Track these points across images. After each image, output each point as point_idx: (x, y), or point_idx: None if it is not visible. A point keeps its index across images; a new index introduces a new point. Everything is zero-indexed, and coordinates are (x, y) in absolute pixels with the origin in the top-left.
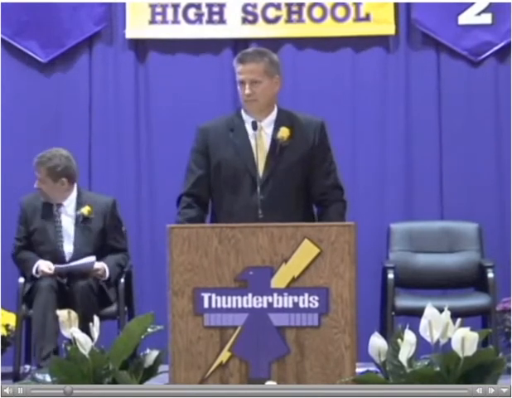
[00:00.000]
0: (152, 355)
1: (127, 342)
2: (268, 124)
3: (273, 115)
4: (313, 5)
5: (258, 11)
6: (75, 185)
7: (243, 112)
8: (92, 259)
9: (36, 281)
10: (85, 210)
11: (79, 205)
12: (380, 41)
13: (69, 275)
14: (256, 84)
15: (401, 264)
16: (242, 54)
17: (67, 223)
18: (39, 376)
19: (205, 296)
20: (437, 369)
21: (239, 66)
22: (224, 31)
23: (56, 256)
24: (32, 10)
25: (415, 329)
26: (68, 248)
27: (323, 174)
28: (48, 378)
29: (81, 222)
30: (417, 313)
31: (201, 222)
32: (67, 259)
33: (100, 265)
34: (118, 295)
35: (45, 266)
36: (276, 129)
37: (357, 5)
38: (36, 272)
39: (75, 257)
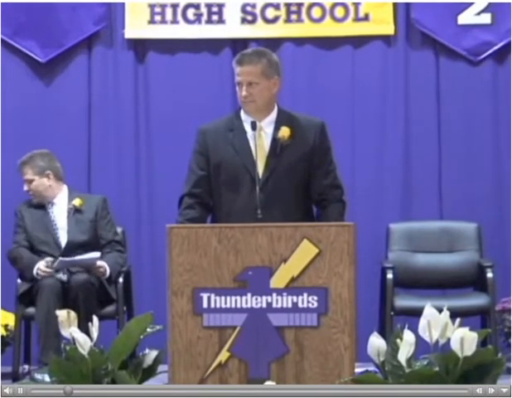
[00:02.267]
0: (151, 355)
1: (126, 342)
2: (267, 124)
3: (273, 115)
4: (312, 5)
5: (257, 11)
6: (64, 185)
7: (242, 112)
8: (97, 254)
9: (38, 280)
10: (76, 202)
11: (70, 200)
12: (379, 40)
13: (70, 270)
14: (253, 86)
15: (400, 264)
16: (240, 55)
17: (60, 216)
18: (38, 376)
19: (205, 296)
20: (436, 369)
21: (236, 68)
22: (223, 31)
23: (53, 247)
24: (31, 10)
25: (414, 329)
26: (63, 238)
27: (323, 174)
28: (47, 378)
29: (73, 214)
30: (417, 313)
31: (202, 223)
32: (63, 248)
33: (101, 263)
34: (117, 295)
35: (43, 265)
36: (276, 129)
37: (356, 5)
38: (37, 274)
39: (71, 246)
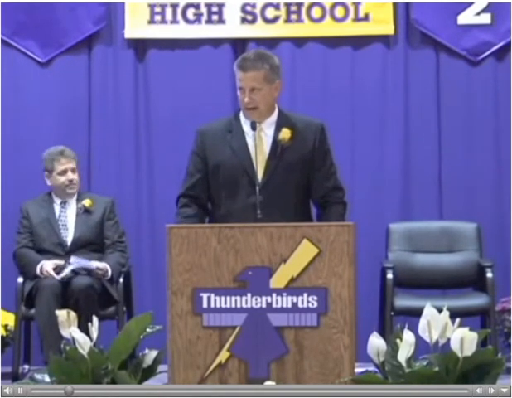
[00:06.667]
0: (150, 355)
1: (126, 342)
2: (268, 126)
3: (274, 117)
4: (312, 5)
5: (257, 11)
6: None
7: (241, 114)
8: (93, 266)
9: (39, 280)
10: (86, 202)
11: (79, 200)
12: (379, 41)
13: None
14: (255, 92)
15: (400, 264)
16: (242, 60)
17: (69, 216)
18: (38, 376)
19: (204, 296)
20: (436, 369)
21: (239, 73)
22: (223, 30)
23: (57, 245)
24: (31, 10)
25: (414, 329)
26: (69, 237)
27: (324, 176)
28: (47, 378)
29: (82, 213)
30: (416, 313)
31: (200, 220)
32: (68, 246)
33: (103, 265)
34: (117, 295)
35: (50, 267)
36: (277, 131)
37: (356, 5)
38: (41, 272)
39: (77, 244)
